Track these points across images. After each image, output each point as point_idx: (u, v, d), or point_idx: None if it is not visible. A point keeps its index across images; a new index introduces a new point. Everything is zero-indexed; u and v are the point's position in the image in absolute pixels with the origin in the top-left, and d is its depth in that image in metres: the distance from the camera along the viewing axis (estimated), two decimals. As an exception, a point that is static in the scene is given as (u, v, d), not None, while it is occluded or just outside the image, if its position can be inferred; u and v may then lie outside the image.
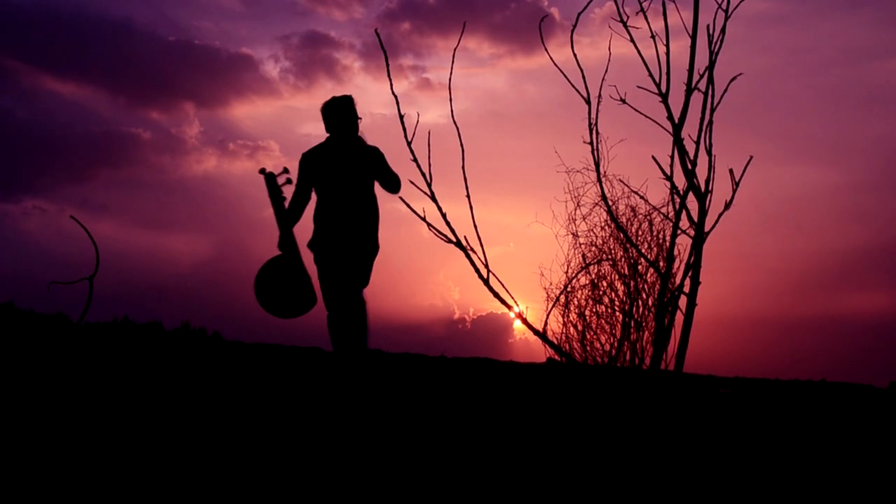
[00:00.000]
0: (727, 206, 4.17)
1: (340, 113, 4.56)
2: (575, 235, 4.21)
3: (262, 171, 4.59)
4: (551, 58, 4.13)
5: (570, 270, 4.20)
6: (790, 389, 9.06)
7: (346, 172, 4.52)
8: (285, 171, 4.58)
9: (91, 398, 3.97)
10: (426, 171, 4.24)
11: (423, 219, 4.20)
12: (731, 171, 4.17)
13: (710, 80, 4.07)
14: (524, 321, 4.26)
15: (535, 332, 4.31)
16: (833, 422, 4.83)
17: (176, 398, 4.18)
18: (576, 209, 4.23)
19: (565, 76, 4.19)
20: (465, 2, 13.51)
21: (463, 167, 4.22)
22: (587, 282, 4.17)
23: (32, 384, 4.47)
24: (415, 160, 4.23)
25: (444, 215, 4.21)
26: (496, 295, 4.19)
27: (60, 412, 3.49)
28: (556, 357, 4.39)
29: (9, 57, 13.73)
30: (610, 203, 4.13)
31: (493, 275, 4.19)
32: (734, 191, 4.15)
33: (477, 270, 4.19)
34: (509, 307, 4.22)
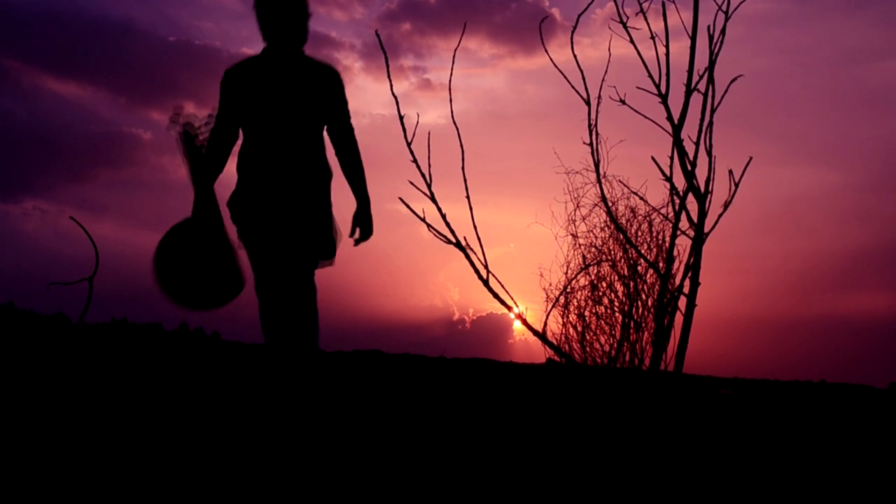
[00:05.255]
0: (726, 206, 4.17)
1: (278, 8, 3.27)
2: (574, 236, 4.22)
3: (175, 118, 3.38)
4: (551, 59, 4.13)
5: (569, 271, 4.21)
6: (790, 390, 9.06)
7: (285, 100, 3.30)
8: (211, 119, 3.43)
9: (90, 399, 3.97)
10: (426, 171, 4.23)
11: (423, 219, 4.20)
12: (730, 171, 4.18)
13: (710, 81, 4.07)
14: (524, 322, 4.26)
15: (535, 332, 4.31)
16: (833, 423, 4.82)
17: (174, 399, 4.18)
18: (575, 210, 4.24)
19: (565, 77, 4.19)
20: (466, 2, 13.52)
21: (463, 168, 4.22)
22: (587, 283, 4.18)
23: (32, 385, 4.47)
24: (415, 161, 4.22)
25: (443, 216, 4.21)
26: (496, 296, 4.19)
27: (60, 412, 3.49)
28: (556, 358, 4.39)
29: (9, 57, 13.74)
30: (609, 204, 4.13)
31: (493, 275, 4.19)
32: (733, 192, 4.15)
33: (476, 271, 4.19)
34: (509, 308, 4.22)
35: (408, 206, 4.16)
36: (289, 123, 3.34)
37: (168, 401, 4.07)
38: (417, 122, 4.17)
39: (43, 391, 4.20)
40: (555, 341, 4.27)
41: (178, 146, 3.39)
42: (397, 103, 4.25)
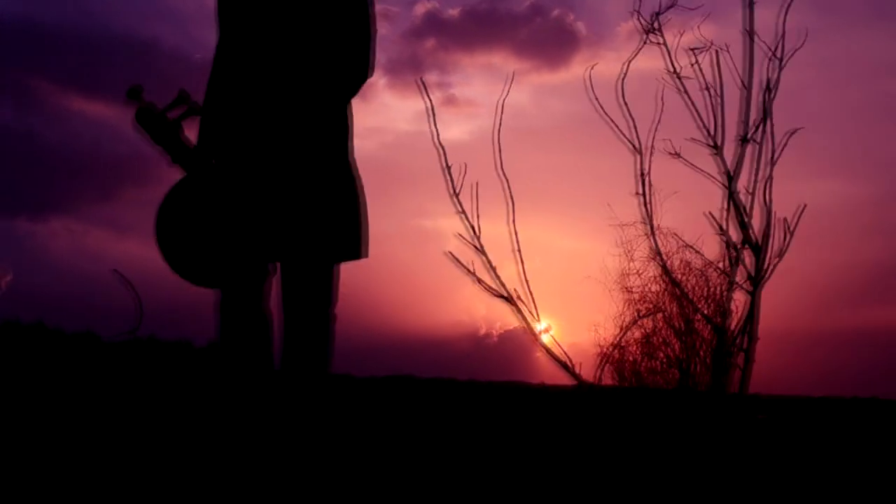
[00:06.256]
0: (781, 255, 4.10)
1: None
2: (629, 291, 4.17)
3: (134, 93, 2.54)
4: (605, 112, 4.06)
5: (623, 325, 4.16)
6: (825, 407, 8.97)
7: (273, 10, 2.47)
8: (182, 99, 2.55)
9: (118, 416, 3.95)
10: (473, 222, 4.17)
11: (472, 273, 4.14)
12: (784, 219, 4.11)
13: (764, 132, 4.00)
14: (575, 375, 4.19)
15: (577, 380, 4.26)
16: (872, 440, 4.73)
17: (203, 416, 4.13)
18: (629, 264, 4.18)
19: (614, 124, 4.13)
20: (489, 18, 13.44)
21: (513, 221, 4.15)
22: (640, 336, 4.13)
23: (63, 404, 4.49)
24: (462, 212, 4.16)
25: (493, 268, 4.16)
26: (548, 351, 4.14)
27: (89, 430, 3.50)
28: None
29: (36, 77, 13.81)
30: (664, 258, 4.07)
31: (546, 329, 4.14)
32: (788, 240, 4.08)
33: (529, 326, 4.14)
34: (560, 361, 4.16)
35: (457, 259, 4.11)
36: (276, 40, 2.47)
37: (195, 419, 4.02)
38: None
39: (73, 410, 4.22)
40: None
41: (139, 127, 2.55)
42: (442, 148, 4.16)
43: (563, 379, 4.37)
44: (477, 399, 7.43)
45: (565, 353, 4.19)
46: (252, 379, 2.56)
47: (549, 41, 12.35)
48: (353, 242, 2.49)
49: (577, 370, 4.19)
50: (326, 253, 2.48)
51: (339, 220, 2.46)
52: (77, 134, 14.11)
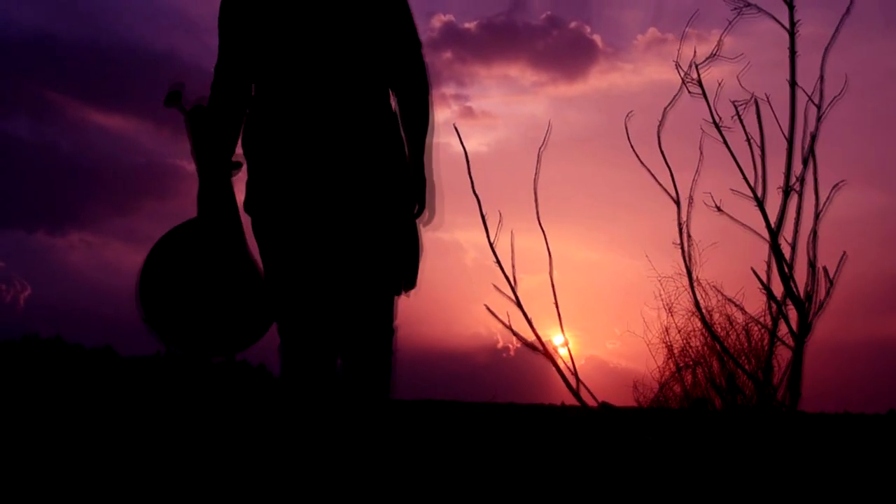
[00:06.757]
0: (821, 306, 4.02)
1: None
2: (669, 347, 4.10)
3: (173, 98, 2.38)
4: (644, 163, 4.00)
5: (662, 379, 4.10)
6: (844, 424, 8.89)
7: (316, 25, 2.18)
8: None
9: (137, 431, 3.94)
10: (510, 274, 4.13)
11: (509, 327, 4.10)
12: (824, 269, 4.03)
13: (803, 182, 3.93)
14: (607, 408, 4.15)
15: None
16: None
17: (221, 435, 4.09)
18: (668, 316, 4.11)
19: (656, 179, 4.07)
20: (507, 30, 13.37)
21: (550, 273, 4.10)
22: (680, 391, 4.07)
23: (81, 418, 4.49)
24: (498, 263, 4.12)
25: (529, 322, 4.12)
26: (579, 399, 4.09)
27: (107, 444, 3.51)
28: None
29: (54, 91, 13.81)
30: (704, 312, 3.99)
31: (583, 384, 4.09)
32: (829, 290, 4.01)
33: (566, 381, 4.09)
34: (583, 403, 4.12)
35: (493, 313, 4.08)
36: (326, 61, 2.16)
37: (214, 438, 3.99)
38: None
39: (91, 423, 4.22)
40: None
41: (188, 128, 2.38)
42: (478, 198, 4.12)
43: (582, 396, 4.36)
44: (502, 423, 7.38)
45: (592, 394, 4.16)
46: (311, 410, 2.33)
47: (566, 53, 12.26)
48: (412, 275, 2.40)
49: (592, 399, 4.16)
50: (390, 289, 2.35)
51: (403, 256, 2.36)
52: (95, 146, 14.12)
